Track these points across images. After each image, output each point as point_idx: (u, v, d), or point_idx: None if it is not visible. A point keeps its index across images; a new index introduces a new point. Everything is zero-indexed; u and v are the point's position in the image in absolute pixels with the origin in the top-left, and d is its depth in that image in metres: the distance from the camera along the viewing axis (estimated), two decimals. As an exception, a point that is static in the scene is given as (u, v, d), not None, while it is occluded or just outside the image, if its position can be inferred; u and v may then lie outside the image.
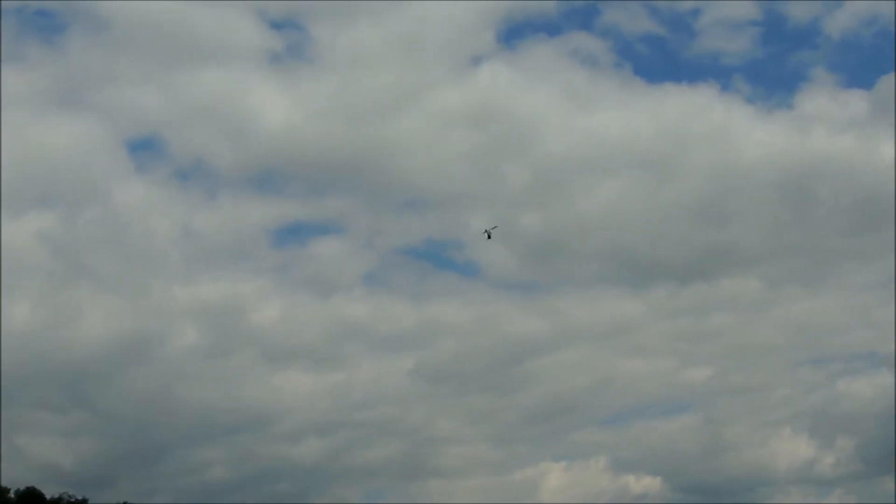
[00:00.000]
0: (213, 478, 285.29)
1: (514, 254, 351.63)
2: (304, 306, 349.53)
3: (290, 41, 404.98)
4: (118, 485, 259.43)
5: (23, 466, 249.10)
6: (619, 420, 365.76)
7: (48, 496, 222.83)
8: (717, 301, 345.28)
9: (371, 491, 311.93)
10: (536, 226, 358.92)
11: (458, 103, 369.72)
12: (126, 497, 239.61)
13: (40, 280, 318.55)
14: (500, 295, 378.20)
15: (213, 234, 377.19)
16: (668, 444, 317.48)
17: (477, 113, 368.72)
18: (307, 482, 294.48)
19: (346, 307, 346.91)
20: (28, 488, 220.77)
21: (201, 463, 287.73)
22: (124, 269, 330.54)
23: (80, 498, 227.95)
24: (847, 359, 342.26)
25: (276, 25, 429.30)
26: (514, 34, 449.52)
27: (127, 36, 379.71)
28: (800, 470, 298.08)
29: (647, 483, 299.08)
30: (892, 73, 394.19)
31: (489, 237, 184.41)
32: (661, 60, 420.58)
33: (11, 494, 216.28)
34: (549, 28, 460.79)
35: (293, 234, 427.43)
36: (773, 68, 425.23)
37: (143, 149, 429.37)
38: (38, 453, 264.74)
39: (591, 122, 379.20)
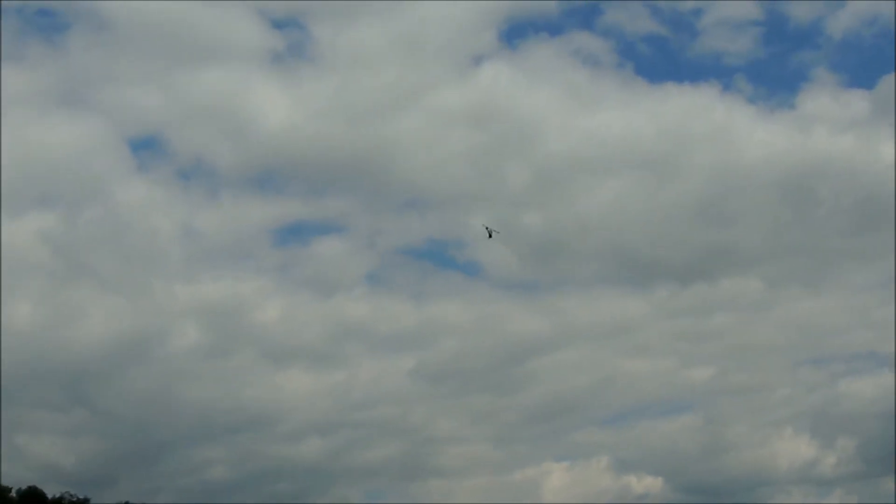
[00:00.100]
0: (214, 477, 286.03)
1: (515, 253, 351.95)
2: (305, 306, 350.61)
3: (291, 41, 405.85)
4: (119, 484, 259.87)
5: (24, 466, 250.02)
6: (620, 420, 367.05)
7: (49, 496, 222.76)
8: (717, 301, 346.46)
9: (372, 491, 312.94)
10: (537, 225, 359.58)
11: (459, 103, 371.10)
12: (127, 496, 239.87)
13: (42, 279, 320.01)
14: (501, 295, 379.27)
15: (215, 234, 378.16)
16: (670, 443, 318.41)
17: (478, 112, 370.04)
18: (308, 482, 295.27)
19: (347, 307, 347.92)
20: (29, 488, 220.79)
21: (202, 462, 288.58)
22: (125, 268, 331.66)
23: (81, 497, 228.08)
24: (848, 359, 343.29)
25: (278, 25, 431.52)
26: (515, 34, 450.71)
27: (128, 35, 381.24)
28: (801, 470, 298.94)
29: (649, 483, 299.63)
30: (893, 74, 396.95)
31: (490, 235, 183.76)
32: (663, 60, 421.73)
33: (13, 494, 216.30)
34: (551, 28, 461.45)
35: (294, 233, 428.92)
36: (774, 68, 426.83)
37: (145, 148, 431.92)
38: (40, 453, 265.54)
39: (592, 121, 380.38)
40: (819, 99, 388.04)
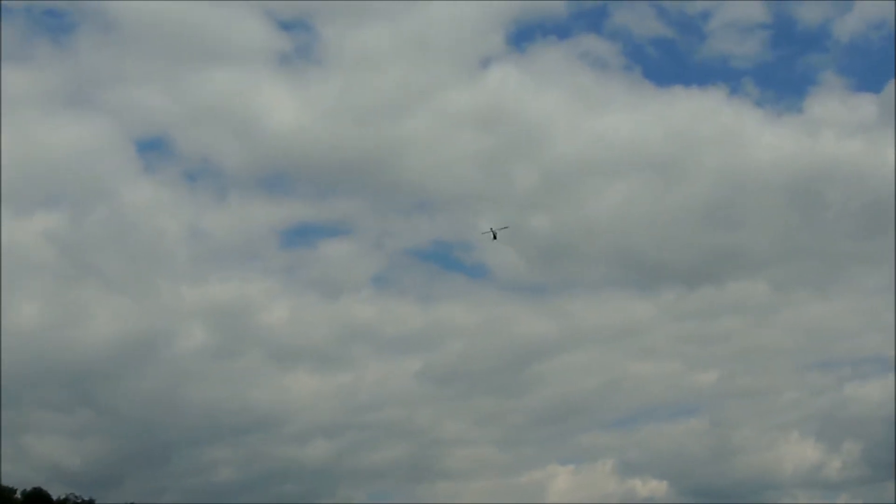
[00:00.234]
0: (221, 478, 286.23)
1: (522, 256, 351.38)
2: (311, 307, 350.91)
3: (298, 42, 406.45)
4: (125, 485, 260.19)
5: (29, 467, 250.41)
6: (625, 423, 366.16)
7: (55, 497, 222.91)
8: (725, 304, 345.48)
9: (377, 492, 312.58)
10: (545, 228, 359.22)
11: (466, 105, 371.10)
12: (133, 497, 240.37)
13: (48, 280, 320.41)
14: (508, 297, 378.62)
15: (222, 235, 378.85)
16: (676, 447, 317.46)
17: (486, 115, 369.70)
18: (314, 483, 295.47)
19: (353, 308, 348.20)
20: (34, 489, 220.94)
21: (208, 463, 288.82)
22: (132, 269, 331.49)
23: (86, 498, 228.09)
24: (855, 363, 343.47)
25: (285, 26, 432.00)
26: (523, 36, 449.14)
27: (136, 36, 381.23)
28: (807, 474, 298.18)
29: (654, 486, 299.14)
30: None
31: (495, 237, 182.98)
32: (671, 63, 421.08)
33: (18, 495, 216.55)
34: (559, 30, 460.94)
35: (301, 235, 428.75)
36: (782, 72, 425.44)
37: (152, 149, 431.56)
38: (45, 453, 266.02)
39: (600, 124, 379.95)
40: (827, 103, 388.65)
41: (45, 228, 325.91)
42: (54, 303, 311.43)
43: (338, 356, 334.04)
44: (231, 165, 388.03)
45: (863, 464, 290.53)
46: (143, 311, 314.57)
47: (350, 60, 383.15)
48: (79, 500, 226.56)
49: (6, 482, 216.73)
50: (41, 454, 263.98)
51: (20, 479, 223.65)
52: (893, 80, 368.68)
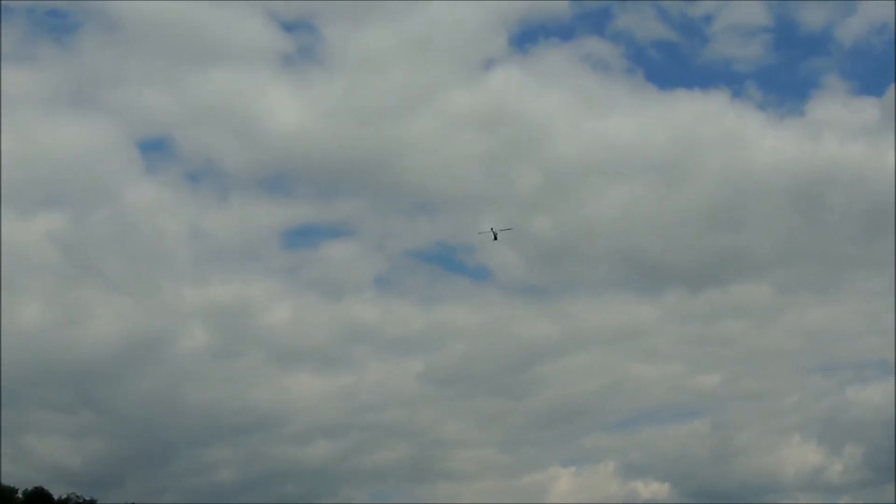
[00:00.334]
0: (221, 479, 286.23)
1: (524, 257, 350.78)
2: (313, 308, 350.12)
3: (301, 43, 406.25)
4: (126, 485, 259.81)
5: (31, 467, 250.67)
6: (628, 425, 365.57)
7: (56, 496, 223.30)
8: (727, 306, 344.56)
9: (378, 493, 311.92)
10: (547, 229, 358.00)
11: (469, 106, 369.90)
12: (134, 497, 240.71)
13: (50, 280, 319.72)
14: (510, 298, 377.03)
15: (223, 236, 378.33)
16: (678, 449, 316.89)
17: (488, 116, 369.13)
18: (315, 484, 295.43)
19: (355, 310, 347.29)
20: (36, 489, 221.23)
21: (209, 464, 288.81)
22: (134, 269, 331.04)
23: (87, 498, 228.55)
24: (857, 366, 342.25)
25: (288, 27, 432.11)
26: (526, 38, 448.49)
27: (139, 36, 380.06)
28: (808, 476, 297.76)
29: (655, 489, 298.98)
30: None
31: (495, 237, 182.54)
32: (673, 66, 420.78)
33: (19, 495, 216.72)
34: (562, 32, 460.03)
35: (303, 236, 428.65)
36: (784, 75, 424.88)
37: (154, 149, 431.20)
38: (46, 453, 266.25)
39: (602, 126, 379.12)
40: (829, 106, 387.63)
41: (47, 229, 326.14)
42: (56, 303, 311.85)
43: (339, 357, 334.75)
44: (233, 166, 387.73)
45: (864, 467, 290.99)
46: (144, 312, 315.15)
47: (353, 61, 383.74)
48: (80, 500, 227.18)
49: (7, 482, 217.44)
50: (42, 454, 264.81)
51: (21, 478, 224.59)
52: (895, 84, 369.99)
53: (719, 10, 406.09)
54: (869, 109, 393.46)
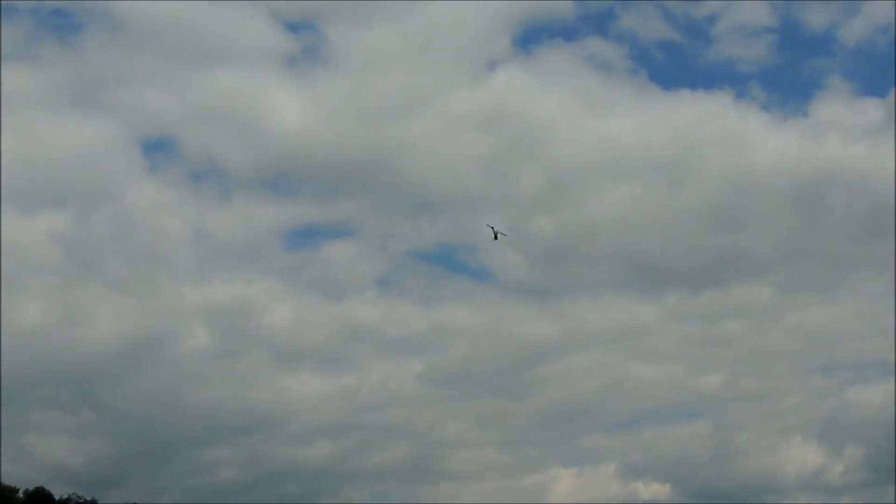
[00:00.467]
0: (222, 478, 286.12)
1: (525, 258, 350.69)
2: (315, 309, 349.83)
3: (305, 43, 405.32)
4: (127, 485, 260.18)
5: (31, 467, 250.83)
6: (629, 425, 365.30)
7: (57, 496, 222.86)
8: (728, 307, 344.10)
9: (379, 493, 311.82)
10: (549, 230, 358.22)
11: (472, 107, 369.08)
12: (134, 497, 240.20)
13: (52, 279, 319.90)
14: (511, 299, 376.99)
15: (226, 236, 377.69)
16: (679, 449, 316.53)
17: (491, 117, 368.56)
18: (316, 484, 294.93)
19: (356, 310, 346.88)
20: (37, 488, 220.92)
21: (210, 464, 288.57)
22: (136, 269, 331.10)
23: (88, 498, 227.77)
24: (858, 367, 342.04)
25: (292, 27, 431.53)
26: (530, 39, 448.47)
27: (142, 36, 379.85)
28: (809, 477, 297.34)
29: (657, 489, 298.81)
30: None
31: (496, 237, 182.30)
32: (677, 66, 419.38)
33: (20, 494, 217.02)
34: (565, 33, 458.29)
35: (305, 236, 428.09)
36: (788, 76, 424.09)
37: (157, 150, 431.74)
38: (47, 453, 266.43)
39: (604, 126, 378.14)
40: (832, 107, 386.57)
41: (49, 228, 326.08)
42: (57, 303, 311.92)
43: (340, 357, 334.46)
44: (236, 166, 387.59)
45: (864, 468, 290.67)
46: (146, 312, 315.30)
47: (356, 62, 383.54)
48: (81, 500, 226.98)
49: (8, 482, 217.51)
50: (43, 454, 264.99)
51: (22, 478, 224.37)
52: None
53: (723, 10, 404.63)
54: (872, 110, 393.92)
